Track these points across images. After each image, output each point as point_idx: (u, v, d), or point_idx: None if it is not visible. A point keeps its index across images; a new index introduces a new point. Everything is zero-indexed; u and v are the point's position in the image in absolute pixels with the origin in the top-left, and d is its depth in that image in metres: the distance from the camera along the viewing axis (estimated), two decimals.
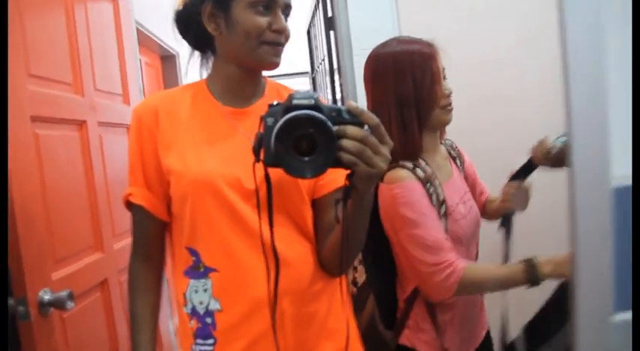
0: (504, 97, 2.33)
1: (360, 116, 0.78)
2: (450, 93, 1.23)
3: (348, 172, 0.81)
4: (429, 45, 1.22)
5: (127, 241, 1.77)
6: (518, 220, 1.42)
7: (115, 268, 1.68)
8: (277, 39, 0.96)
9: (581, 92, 0.57)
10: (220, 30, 0.99)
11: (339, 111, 0.78)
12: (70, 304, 1.26)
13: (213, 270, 0.98)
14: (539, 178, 1.46)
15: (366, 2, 2.17)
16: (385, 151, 0.78)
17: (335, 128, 0.75)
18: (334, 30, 2.25)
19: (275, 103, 0.80)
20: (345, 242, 0.90)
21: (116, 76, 1.94)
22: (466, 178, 1.38)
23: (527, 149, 1.44)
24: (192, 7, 1.00)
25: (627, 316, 0.55)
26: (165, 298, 2.15)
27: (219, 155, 0.98)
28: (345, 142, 0.75)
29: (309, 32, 3.24)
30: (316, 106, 0.76)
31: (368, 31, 2.07)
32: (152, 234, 1.05)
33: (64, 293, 1.26)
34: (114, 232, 1.71)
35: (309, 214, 1.04)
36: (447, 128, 1.34)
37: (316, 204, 1.05)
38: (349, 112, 0.78)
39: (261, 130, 0.79)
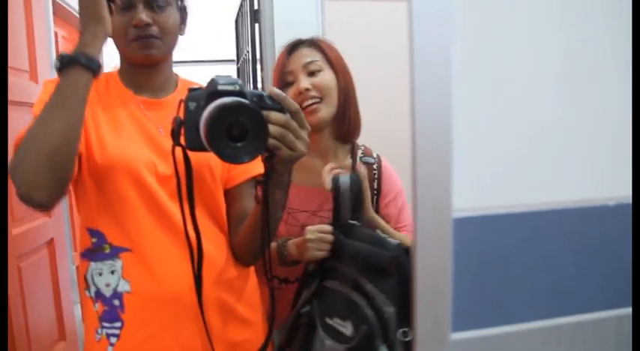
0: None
1: (282, 102, 0.82)
2: (302, 91, 1.23)
3: (265, 155, 0.84)
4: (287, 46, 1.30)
5: (28, 226, 1.71)
6: None
7: (14, 253, 1.59)
8: (140, 33, 0.98)
9: (426, 127, 0.62)
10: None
11: (260, 96, 0.81)
12: None
13: (126, 250, 0.97)
14: None
15: None
16: (305, 135, 0.84)
17: (262, 114, 0.77)
18: (259, 22, 2.26)
19: (196, 87, 0.81)
20: (265, 224, 0.93)
21: (23, 51, 1.83)
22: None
23: None
24: None
25: (464, 335, 0.63)
26: (69, 285, 2.08)
27: (135, 139, 0.99)
28: (270, 127, 0.79)
29: (237, 22, 3.21)
30: (241, 92, 0.79)
31: (291, 24, 2.10)
32: None
33: None
34: (13, 216, 1.62)
35: (223, 203, 1.07)
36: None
37: (229, 193, 1.08)
38: (271, 97, 0.82)
39: (181, 115, 0.80)
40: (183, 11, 1.06)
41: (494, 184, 0.66)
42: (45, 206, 0.86)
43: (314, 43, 1.31)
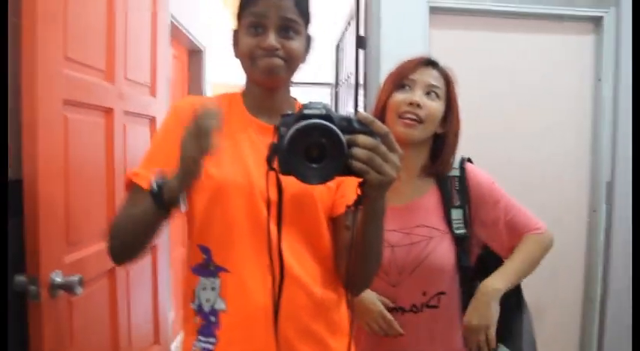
0: (525, 130, 2.36)
1: (371, 125, 0.80)
2: (412, 103, 1.25)
3: (360, 181, 0.83)
4: (422, 58, 1.33)
5: None
6: None
7: None
8: (267, 56, 1.00)
9: None
10: (236, 53, 1.09)
11: (349, 120, 0.80)
12: (79, 290, 1.27)
13: (224, 270, 1.00)
14: None
15: (398, 25, 2.20)
16: (395, 158, 0.81)
17: (346, 137, 0.77)
18: (364, 48, 2.28)
19: (289, 112, 0.83)
20: (352, 249, 0.93)
21: (146, 67, 1.96)
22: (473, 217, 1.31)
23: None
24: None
25: None
26: (166, 291, 2.16)
27: (251, 164, 1.02)
28: (356, 151, 0.78)
29: (338, 46, 3.27)
30: (327, 116, 0.78)
31: (398, 51, 2.10)
32: None
33: (75, 278, 1.27)
34: None
35: (324, 233, 1.06)
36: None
37: (334, 222, 1.07)
38: (360, 121, 0.80)
39: (275, 140, 0.82)
40: (308, 40, 1.09)
41: None
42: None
43: (446, 75, 1.33)
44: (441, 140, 1.32)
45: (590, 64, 2.32)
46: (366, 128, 0.80)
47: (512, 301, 1.31)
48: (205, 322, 1.02)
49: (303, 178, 0.76)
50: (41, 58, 1.20)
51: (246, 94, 1.12)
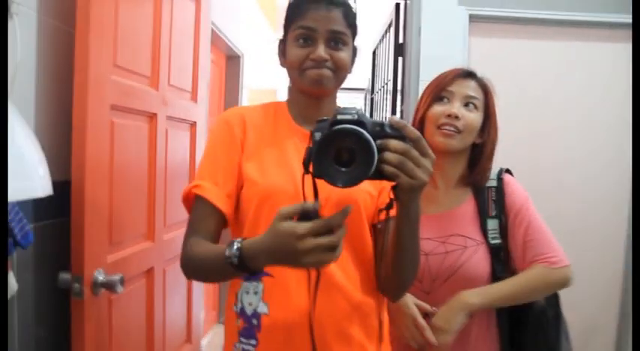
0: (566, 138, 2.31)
1: (403, 130, 0.81)
2: (450, 115, 1.26)
3: (393, 184, 0.84)
4: (460, 70, 1.33)
5: (176, 233, 1.85)
6: None
7: (162, 257, 1.74)
8: (317, 67, 1.03)
9: None
10: (283, 62, 1.11)
11: (382, 125, 0.82)
12: (120, 288, 1.32)
13: (267, 274, 1.02)
14: None
15: (437, 32, 2.20)
16: (427, 163, 0.81)
17: (378, 142, 0.78)
18: (403, 56, 2.28)
19: (324, 118, 0.84)
20: (383, 253, 0.96)
21: (188, 74, 2.01)
22: (511, 230, 1.30)
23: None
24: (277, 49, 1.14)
25: None
26: (200, 291, 2.20)
27: (293, 170, 1.04)
28: (387, 155, 0.79)
29: (374, 53, 3.28)
30: (359, 121, 0.79)
31: (437, 59, 2.09)
32: (213, 229, 1.04)
33: (116, 277, 1.31)
34: (165, 223, 1.77)
35: (367, 239, 1.07)
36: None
37: (376, 228, 1.08)
38: (392, 126, 0.81)
39: (311, 145, 0.83)
40: (354, 51, 1.11)
41: None
42: None
43: (483, 84, 1.34)
44: (479, 150, 1.33)
45: (626, 70, 2.27)
46: (398, 133, 0.81)
47: (550, 314, 1.29)
48: (247, 325, 1.04)
49: (332, 181, 0.77)
50: (93, 65, 1.25)
51: (291, 103, 1.14)
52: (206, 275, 1.06)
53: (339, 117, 0.80)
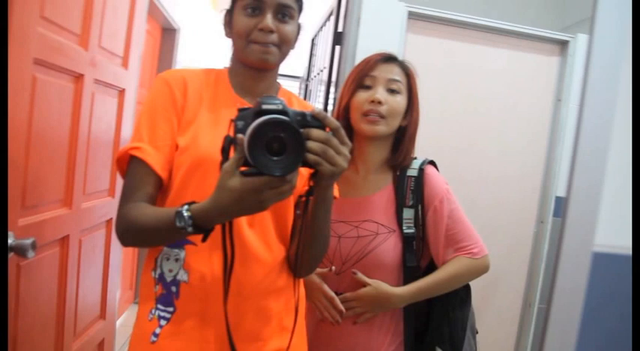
0: (490, 139, 2.45)
1: (323, 120, 0.86)
2: (374, 101, 1.28)
3: (311, 172, 0.88)
4: (382, 55, 1.34)
5: (95, 202, 1.77)
6: None
7: (79, 226, 1.66)
8: (264, 38, 1.03)
9: (584, 166, 0.63)
10: (228, 33, 1.11)
11: (303, 115, 0.85)
12: (31, 253, 1.24)
13: (190, 243, 1.01)
14: None
15: (376, 25, 2.25)
16: (345, 151, 0.86)
17: (300, 131, 0.80)
18: (341, 45, 2.31)
19: (245, 107, 0.86)
20: (301, 235, 1.01)
21: (121, 38, 1.92)
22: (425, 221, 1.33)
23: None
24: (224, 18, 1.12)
25: None
26: (117, 268, 2.13)
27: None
28: (310, 144, 0.83)
29: (313, 41, 3.29)
30: (283, 111, 0.82)
31: (373, 50, 2.13)
32: (152, 194, 1.01)
33: (27, 241, 1.23)
34: (84, 190, 1.69)
35: (291, 217, 1.10)
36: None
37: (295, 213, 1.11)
38: (313, 116, 0.85)
39: (231, 133, 0.84)
40: (299, 27, 1.11)
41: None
42: None
43: (405, 68, 1.36)
44: (402, 132, 1.36)
45: (553, 84, 2.44)
46: (318, 123, 0.85)
47: (462, 293, 1.35)
48: (166, 292, 1.03)
49: (268, 171, 0.78)
50: (17, 12, 1.17)
51: (232, 72, 1.13)
52: (149, 241, 1.02)
53: (264, 107, 0.82)
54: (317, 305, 1.31)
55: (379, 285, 1.28)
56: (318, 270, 1.31)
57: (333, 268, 1.31)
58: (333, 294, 1.29)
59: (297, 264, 1.08)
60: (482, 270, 1.33)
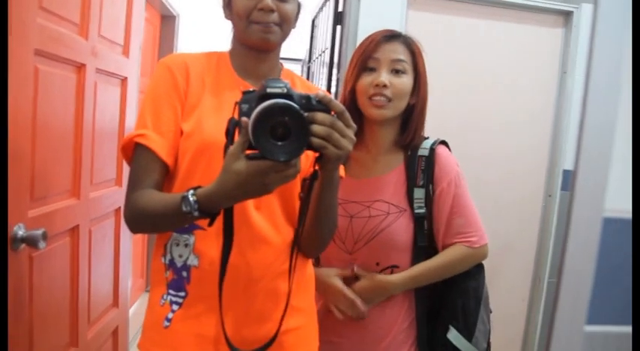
0: (494, 118, 2.43)
1: (328, 104, 0.85)
2: (378, 85, 1.25)
3: (317, 155, 0.88)
4: (384, 33, 1.30)
5: (103, 191, 1.78)
6: None
7: (88, 216, 1.67)
8: (264, 18, 1.02)
9: (592, 134, 0.63)
10: (228, 15, 1.10)
11: (308, 98, 0.84)
12: (42, 244, 1.26)
13: (199, 227, 1.02)
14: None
15: (377, 3, 2.22)
16: (350, 133, 0.86)
17: (305, 114, 0.80)
18: (342, 25, 2.29)
19: (250, 90, 0.85)
20: (303, 217, 1.01)
21: (120, 27, 1.91)
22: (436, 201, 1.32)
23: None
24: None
25: (596, 328, 0.63)
26: (128, 255, 2.15)
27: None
28: (315, 127, 0.82)
29: (313, 22, 3.26)
30: (288, 95, 0.81)
31: (374, 29, 2.11)
32: (158, 181, 1.02)
33: (38, 232, 1.25)
34: (92, 180, 1.70)
35: (298, 201, 1.08)
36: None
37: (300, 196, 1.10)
38: (318, 100, 0.85)
39: (236, 116, 0.84)
40: (299, 6, 1.10)
41: None
42: None
43: (409, 44, 1.32)
44: (411, 111, 1.33)
45: (558, 56, 2.41)
46: (323, 106, 0.84)
47: (474, 268, 1.34)
48: (177, 277, 1.03)
49: (270, 155, 0.78)
50: (15, 4, 1.16)
51: (234, 54, 1.12)
52: (158, 227, 1.03)
53: (269, 90, 0.81)
54: (339, 307, 1.31)
55: (372, 276, 1.29)
56: (340, 271, 1.31)
57: (355, 268, 1.30)
58: (354, 296, 1.29)
59: (302, 245, 1.08)
60: (478, 260, 1.33)
